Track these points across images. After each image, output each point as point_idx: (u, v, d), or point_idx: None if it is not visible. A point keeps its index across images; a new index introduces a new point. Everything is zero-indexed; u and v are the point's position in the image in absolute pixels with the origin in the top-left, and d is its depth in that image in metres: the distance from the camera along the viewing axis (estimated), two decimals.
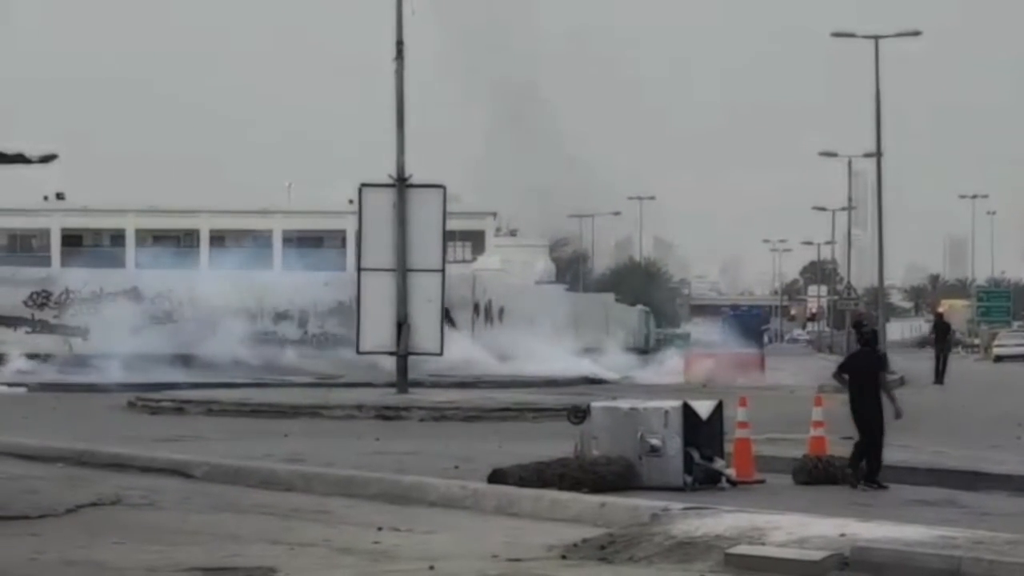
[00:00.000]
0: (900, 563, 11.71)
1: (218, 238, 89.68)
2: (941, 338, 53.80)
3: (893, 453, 20.95)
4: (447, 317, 39.89)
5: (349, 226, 61.81)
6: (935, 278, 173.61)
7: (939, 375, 50.69)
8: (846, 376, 19.31)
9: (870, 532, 12.70)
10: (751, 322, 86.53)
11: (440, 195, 36.35)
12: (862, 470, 18.48)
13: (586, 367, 50.09)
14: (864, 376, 18.97)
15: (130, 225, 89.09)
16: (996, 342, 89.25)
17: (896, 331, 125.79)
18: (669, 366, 50.82)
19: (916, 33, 60.14)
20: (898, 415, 18.88)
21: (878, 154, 60.87)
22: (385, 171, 36.30)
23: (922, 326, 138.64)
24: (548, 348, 53.60)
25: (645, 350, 68.19)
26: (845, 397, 19.49)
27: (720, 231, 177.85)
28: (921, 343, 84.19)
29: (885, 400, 18.99)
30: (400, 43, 36.28)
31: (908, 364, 60.87)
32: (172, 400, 33.67)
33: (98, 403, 33.78)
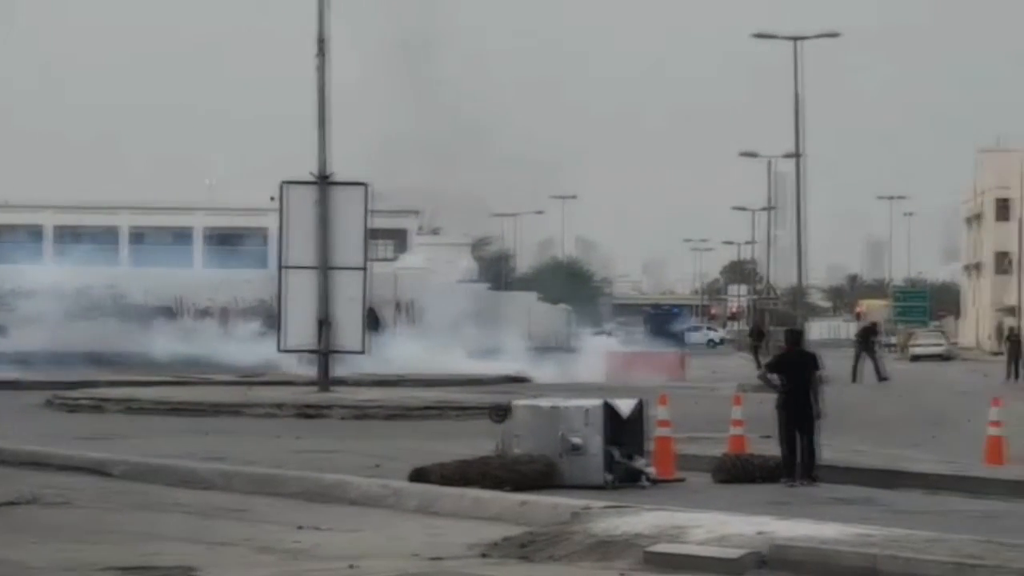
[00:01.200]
0: (817, 561, 11.79)
1: (138, 235, 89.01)
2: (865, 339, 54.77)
3: None
4: (372, 316, 39.79)
5: (271, 224, 61.53)
6: (854, 278, 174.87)
7: (854, 374, 51.53)
8: (774, 375, 19.48)
9: (788, 530, 12.77)
10: (673, 321, 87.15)
11: (362, 193, 36.25)
12: (798, 467, 18.65)
13: (509, 366, 50.10)
14: (798, 375, 19.22)
15: (48, 222, 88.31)
16: (913, 342, 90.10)
17: (816, 331, 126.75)
18: (591, 365, 50.88)
19: (835, 35, 60.50)
20: (818, 415, 19.05)
21: (797, 155, 61.21)
22: (308, 170, 36.19)
23: (840, 326, 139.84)
24: (471, 346, 53.60)
25: (568, 349, 68.27)
26: (763, 396, 19.66)
27: (643, 231, 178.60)
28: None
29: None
30: (322, 40, 36.12)
31: (829, 363, 61.26)
32: (90, 398, 33.36)
33: (15, 401, 33.39)
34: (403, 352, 50.81)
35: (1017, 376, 52.71)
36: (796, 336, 20.69)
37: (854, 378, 51.07)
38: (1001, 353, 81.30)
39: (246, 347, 49.77)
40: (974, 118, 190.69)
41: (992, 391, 32.59)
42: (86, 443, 22.42)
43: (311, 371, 37.71)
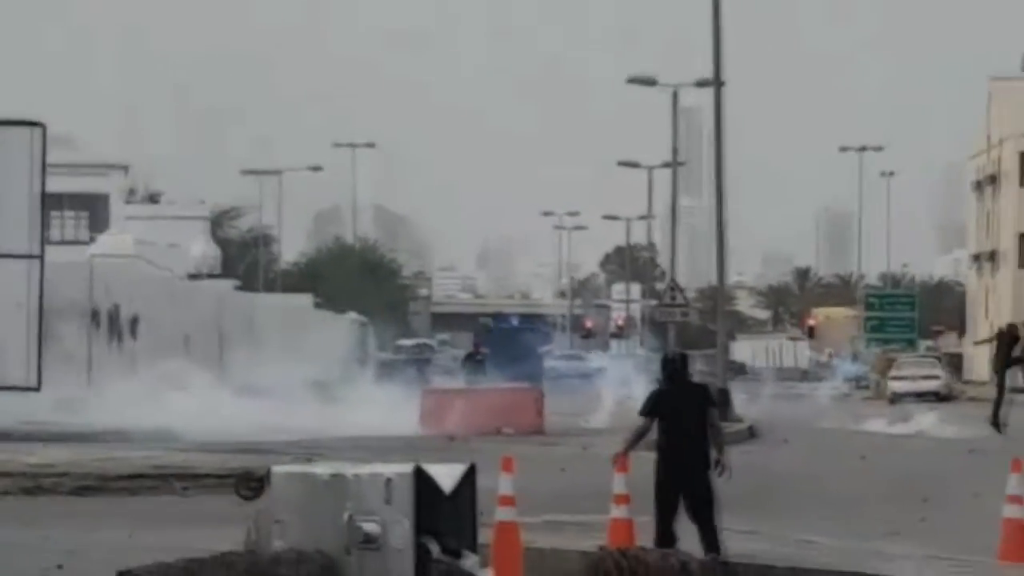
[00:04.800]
0: None
1: None
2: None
3: (735, 543, 21.37)
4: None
5: None
6: (805, 274, 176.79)
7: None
8: (650, 419, 20.26)
9: None
10: (525, 341, 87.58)
11: (35, 136, 36.05)
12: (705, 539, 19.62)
13: (267, 408, 50.06)
14: (681, 419, 20.08)
15: None
16: (893, 373, 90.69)
17: (746, 352, 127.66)
18: (397, 407, 51.02)
19: None
20: (722, 471, 19.70)
21: (717, 82, 61.60)
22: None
23: (785, 347, 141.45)
24: (211, 379, 53.46)
25: (363, 382, 68.44)
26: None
27: (479, 201, 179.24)
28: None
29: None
30: None
31: (771, 408, 62.05)
32: None
33: None
34: (105, 388, 50.56)
35: (997, 424, 50.42)
36: (677, 363, 21.07)
37: (996, 424, 50.17)
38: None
39: None
40: (986, 38, 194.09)
41: (1011, 449, 33.23)
42: None
43: None
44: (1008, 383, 52.58)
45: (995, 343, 55.38)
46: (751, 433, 50.37)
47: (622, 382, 55.23)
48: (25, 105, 37.50)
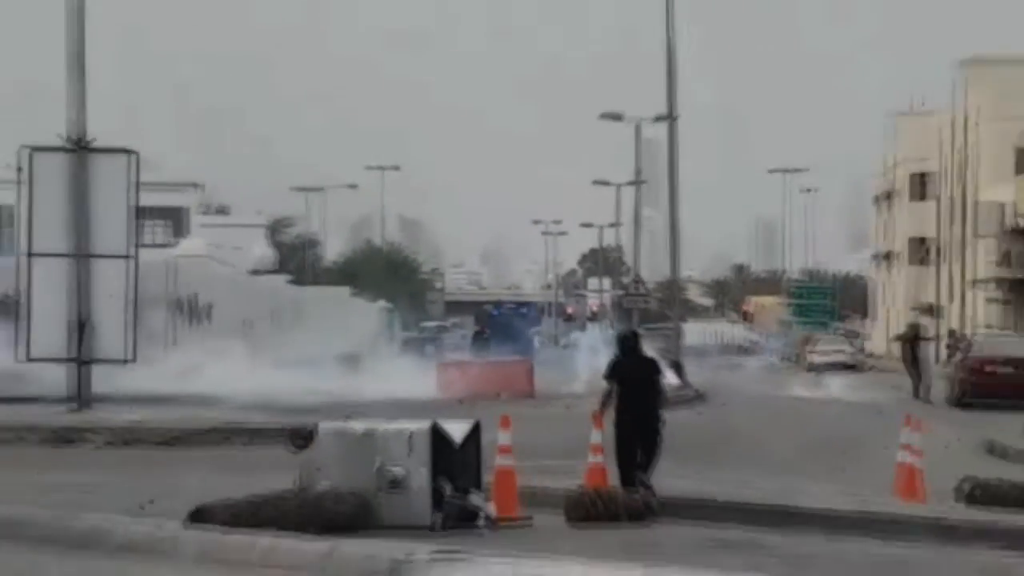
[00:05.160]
0: None
1: None
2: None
3: (685, 483, 21.39)
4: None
5: (14, 200, 60.54)
6: (741, 270, 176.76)
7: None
8: (612, 384, 21.01)
9: None
10: (518, 324, 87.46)
11: (129, 163, 35.98)
12: (639, 475, 20.32)
13: (315, 377, 49.92)
14: (634, 384, 20.82)
15: None
16: (811, 348, 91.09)
17: (696, 334, 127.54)
18: (417, 376, 50.92)
19: None
20: (663, 425, 20.94)
21: (671, 116, 61.60)
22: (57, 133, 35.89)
23: (724, 329, 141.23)
24: (268, 354, 53.30)
25: (389, 356, 68.24)
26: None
27: (483, 211, 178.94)
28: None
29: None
30: None
31: (714, 376, 61.95)
32: None
33: None
34: (184, 362, 50.40)
35: (917, 393, 51.52)
36: (632, 340, 21.80)
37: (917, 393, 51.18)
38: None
39: None
40: (884, 77, 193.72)
41: (907, 409, 33.21)
42: None
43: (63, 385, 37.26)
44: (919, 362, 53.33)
45: (902, 343, 55.85)
46: (698, 396, 50.33)
47: (593, 352, 54.99)
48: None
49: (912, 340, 54.23)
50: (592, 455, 21.17)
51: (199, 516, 17.14)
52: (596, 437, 21.29)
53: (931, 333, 63.04)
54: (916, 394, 51.05)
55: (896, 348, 64.40)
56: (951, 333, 74.45)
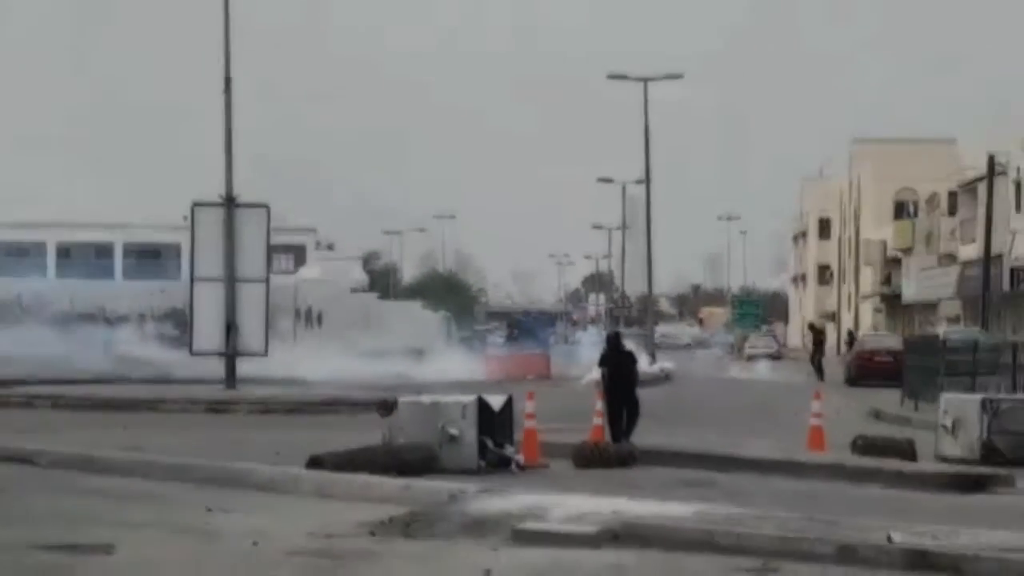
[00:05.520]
0: (664, 536, 11.91)
1: (64, 251, 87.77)
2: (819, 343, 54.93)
3: (661, 439, 21.35)
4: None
5: (183, 240, 60.80)
6: (696, 287, 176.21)
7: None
8: (603, 369, 21.58)
9: (639, 509, 12.88)
10: (539, 327, 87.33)
11: (264, 214, 36.12)
12: (623, 433, 20.88)
13: (395, 366, 49.90)
14: (618, 369, 21.42)
15: None
16: (748, 344, 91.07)
17: (664, 334, 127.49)
18: (469, 364, 50.93)
19: (679, 76, 61.00)
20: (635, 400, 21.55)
21: (648, 180, 61.88)
22: (217, 191, 36.00)
23: (685, 330, 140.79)
24: (362, 349, 53.32)
25: (447, 351, 68.10)
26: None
27: (513, 247, 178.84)
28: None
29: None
30: (228, 79, 35.94)
31: (677, 363, 61.84)
32: (21, 395, 32.87)
33: None
34: (303, 354, 50.42)
35: (822, 375, 50.62)
36: (616, 338, 22.41)
37: (821, 375, 50.87)
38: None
39: (161, 350, 49.21)
40: (799, 151, 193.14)
41: (814, 387, 33.11)
42: (16, 436, 22.05)
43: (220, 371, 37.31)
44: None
45: (811, 339, 56.51)
46: (667, 377, 50.20)
47: (592, 347, 54.89)
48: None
49: (819, 334, 54.92)
50: (596, 418, 21.34)
51: (314, 463, 17.17)
52: (599, 405, 21.50)
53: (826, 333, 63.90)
54: (821, 376, 50.85)
55: (808, 341, 64.86)
56: (850, 333, 74.07)
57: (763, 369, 62.26)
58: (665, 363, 57.36)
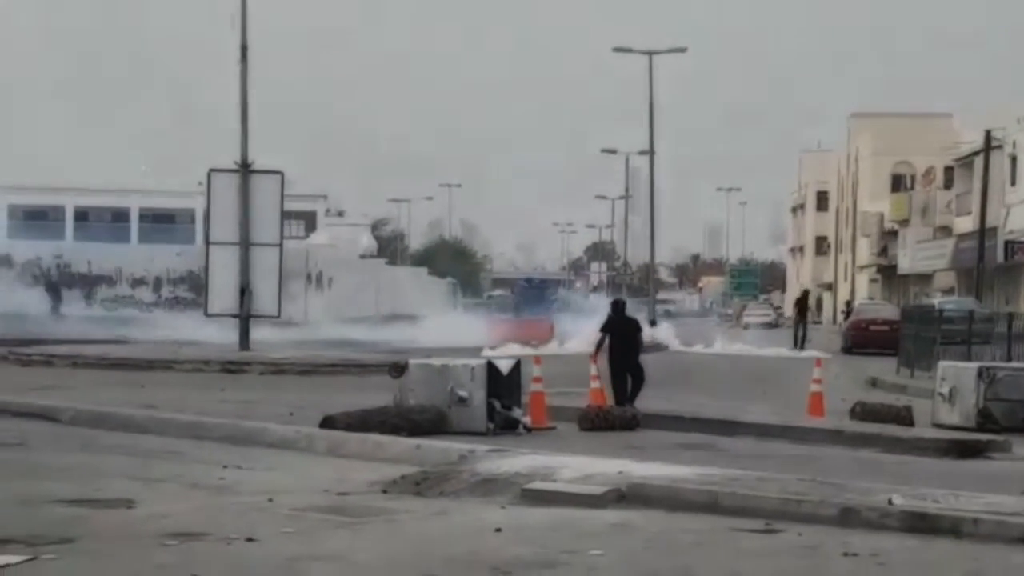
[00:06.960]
0: (668, 496, 11.90)
1: (82, 214, 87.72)
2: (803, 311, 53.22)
3: (662, 404, 21.34)
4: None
5: (198, 206, 60.74)
6: (696, 257, 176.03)
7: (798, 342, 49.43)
8: (605, 334, 21.43)
9: (643, 470, 12.87)
10: (542, 294, 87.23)
11: (278, 180, 36.08)
12: (627, 399, 20.80)
13: (404, 330, 49.96)
14: (622, 335, 21.28)
15: (1, 201, 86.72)
16: (745, 312, 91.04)
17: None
18: (475, 329, 50.88)
19: (682, 50, 60.82)
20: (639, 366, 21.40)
21: (651, 152, 61.71)
22: (231, 158, 35.95)
23: (685, 298, 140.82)
24: (372, 312, 53.41)
25: (455, 315, 68.11)
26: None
27: (518, 215, 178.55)
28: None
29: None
30: (244, 47, 35.84)
31: (678, 331, 61.78)
32: (41, 354, 32.92)
33: None
34: (314, 317, 50.53)
35: (803, 345, 48.76)
36: (620, 305, 22.22)
37: (796, 344, 48.88)
38: (819, 322, 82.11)
39: (176, 311, 49.31)
40: (798, 124, 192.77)
41: (816, 355, 33.03)
42: (38, 393, 22.09)
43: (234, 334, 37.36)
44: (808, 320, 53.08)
45: (795, 305, 55.64)
46: (667, 345, 50.15)
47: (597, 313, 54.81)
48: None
49: (799, 302, 54.03)
50: (592, 382, 21.29)
51: (327, 423, 17.17)
52: (592, 370, 21.45)
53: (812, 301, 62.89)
54: (796, 344, 49.09)
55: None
56: (847, 303, 74.01)
57: (761, 337, 62.10)
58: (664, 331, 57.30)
